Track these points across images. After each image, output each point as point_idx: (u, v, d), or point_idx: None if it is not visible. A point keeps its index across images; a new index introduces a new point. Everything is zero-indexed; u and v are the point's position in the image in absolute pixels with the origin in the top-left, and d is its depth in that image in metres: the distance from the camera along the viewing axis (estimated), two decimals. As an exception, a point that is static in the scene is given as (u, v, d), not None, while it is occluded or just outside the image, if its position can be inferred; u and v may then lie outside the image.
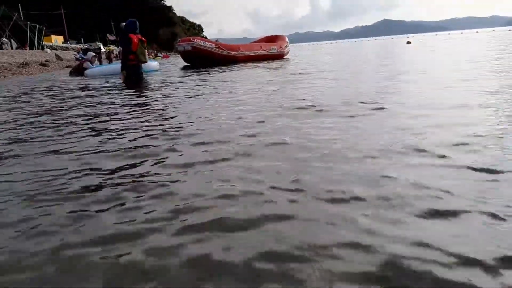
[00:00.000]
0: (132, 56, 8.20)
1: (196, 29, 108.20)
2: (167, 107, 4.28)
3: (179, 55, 16.72)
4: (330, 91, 4.73)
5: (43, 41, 31.05)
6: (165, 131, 2.97)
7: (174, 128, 3.06)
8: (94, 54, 13.14)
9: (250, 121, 3.13)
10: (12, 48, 26.89)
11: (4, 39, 26.72)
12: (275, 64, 12.13)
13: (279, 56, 16.16)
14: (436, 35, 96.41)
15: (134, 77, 8.21)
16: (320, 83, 5.66)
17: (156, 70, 11.48)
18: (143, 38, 8.41)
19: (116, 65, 10.30)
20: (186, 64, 15.30)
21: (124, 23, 8.44)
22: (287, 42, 16.97)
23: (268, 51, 15.65)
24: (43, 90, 7.75)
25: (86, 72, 11.14)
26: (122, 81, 8.19)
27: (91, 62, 12.19)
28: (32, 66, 19.65)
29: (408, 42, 30.55)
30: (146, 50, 8.53)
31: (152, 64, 11.02)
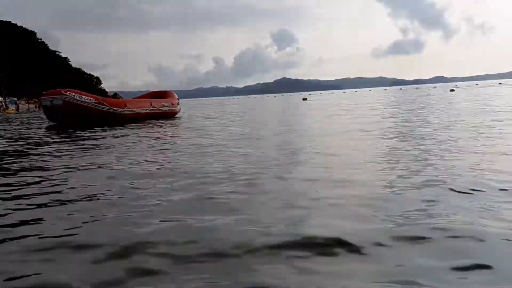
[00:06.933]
0: None
1: (94, 81, 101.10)
2: None
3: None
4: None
5: None
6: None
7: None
8: None
9: None
10: None
11: None
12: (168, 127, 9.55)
13: (171, 114, 14.05)
14: (332, 93, 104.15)
15: None
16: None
17: None
18: None
19: None
20: (51, 123, 11.72)
21: None
22: (178, 99, 14.85)
23: (159, 108, 13.29)
24: None
25: None
26: None
27: None
28: None
29: (304, 99, 33.01)
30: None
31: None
